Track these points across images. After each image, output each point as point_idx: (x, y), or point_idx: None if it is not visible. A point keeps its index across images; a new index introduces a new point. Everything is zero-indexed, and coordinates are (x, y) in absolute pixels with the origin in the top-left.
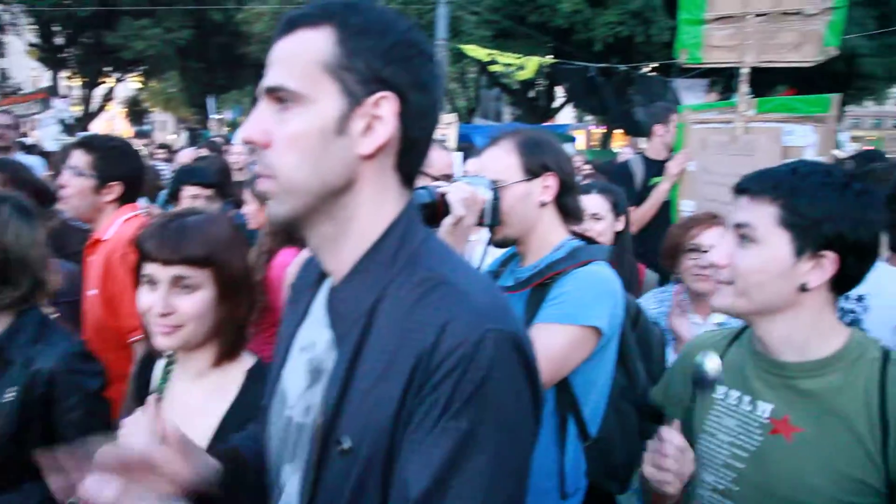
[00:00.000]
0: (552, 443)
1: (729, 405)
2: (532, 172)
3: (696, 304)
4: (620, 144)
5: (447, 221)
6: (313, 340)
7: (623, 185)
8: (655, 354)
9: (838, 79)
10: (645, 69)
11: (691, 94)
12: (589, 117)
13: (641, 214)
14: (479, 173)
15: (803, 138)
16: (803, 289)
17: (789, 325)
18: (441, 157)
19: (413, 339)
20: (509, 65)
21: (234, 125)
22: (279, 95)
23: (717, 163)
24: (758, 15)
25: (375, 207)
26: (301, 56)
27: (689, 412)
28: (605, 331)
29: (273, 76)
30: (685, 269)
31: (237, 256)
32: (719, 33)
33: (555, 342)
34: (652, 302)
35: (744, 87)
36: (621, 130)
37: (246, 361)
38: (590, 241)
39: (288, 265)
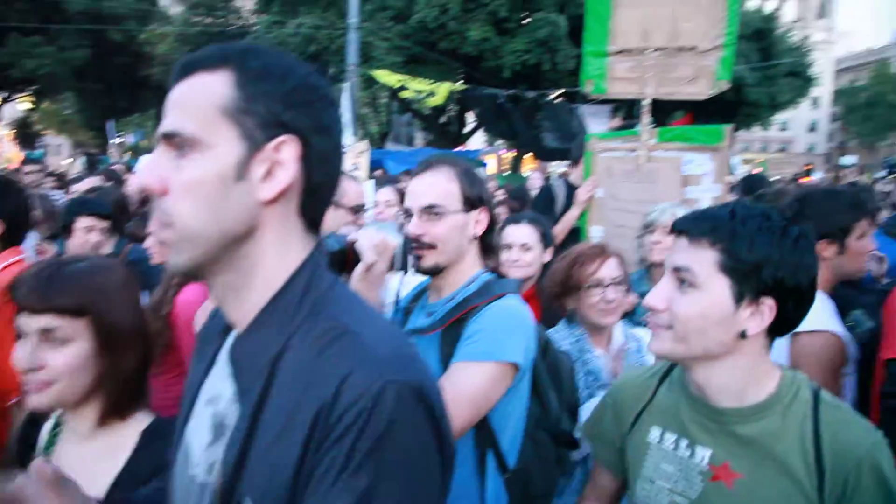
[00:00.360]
0: (472, 477)
1: (666, 450)
2: (471, 204)
3: (594, 337)
4: (530, 168)
5: (358, 269)
6: (218, 393)
7: (544, 207)
8: (566, 383)
9: (729, 106)
10: (552, 96)
11: (596, 120)
12: (499, 142)
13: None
14: (419, 194)
15: (701, 167)
16: (742, 336)
17: (728, 372)
18: (353, 188)
19: (314, 393)
20: (420, 91)
21: (135, 150)
22: (176, 141)
23: (623, 190)
24: (656, 49)
25: (279, 255)
26: (198, 100)
27: (621, 452)
28: (522, 364)
29: (169, 121)
30: (589, 306)
31: (121, 305)
32: (621, 66)
33: (475, 381)
34: None
35: (645, 118)
36: (531, 154)
37: (141, 420)
38: (499, 273)
39: (194, 301)
